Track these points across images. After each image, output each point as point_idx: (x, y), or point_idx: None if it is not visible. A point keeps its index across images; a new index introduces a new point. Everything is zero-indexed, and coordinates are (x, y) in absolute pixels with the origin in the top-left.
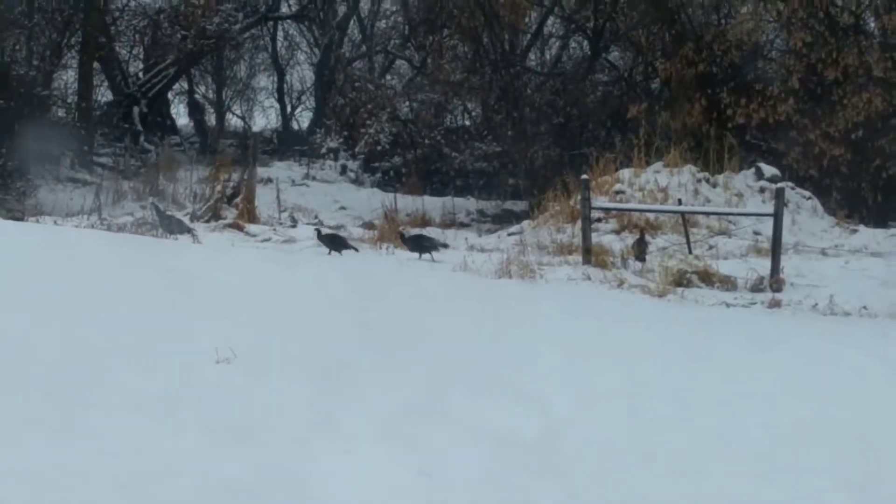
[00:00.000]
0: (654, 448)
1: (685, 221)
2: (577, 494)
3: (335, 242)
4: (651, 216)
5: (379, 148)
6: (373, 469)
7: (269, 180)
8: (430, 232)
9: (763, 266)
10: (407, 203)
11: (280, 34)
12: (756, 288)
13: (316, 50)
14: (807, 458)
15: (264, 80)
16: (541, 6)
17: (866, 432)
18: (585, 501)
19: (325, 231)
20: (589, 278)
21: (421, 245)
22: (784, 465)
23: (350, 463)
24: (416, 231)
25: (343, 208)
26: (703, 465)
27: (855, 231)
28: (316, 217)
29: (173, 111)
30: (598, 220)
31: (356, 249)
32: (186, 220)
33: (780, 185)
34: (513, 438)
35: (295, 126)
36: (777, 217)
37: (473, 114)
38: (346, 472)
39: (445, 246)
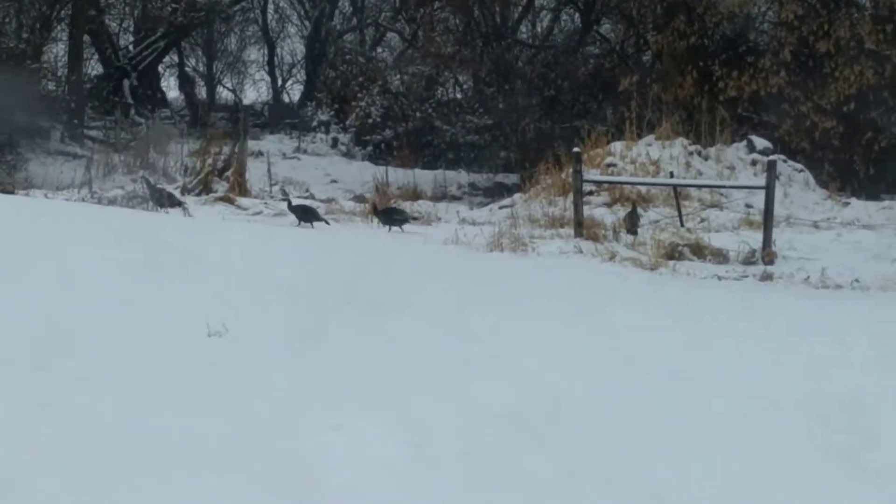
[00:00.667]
0: (645, 421)
1: (677, 194)
2: (568, 467)
3: (306, 214)
4: (643, 189)
5: (370, 121)
6: (362, 442)
7: (260, 153)
8: (420, 205)
9: (755, 239)
10: (398, 176)
11: (270, 7)
12: (748, 261)
13: (307, 22)
14: (797, 429)
15: (255, 53)
16: None
17: (856, 404)
18: (577, 474)
19: (295, 202)
20: (581, 251)
21: (392, 218)
22: (774, 437)
23: (340, 436)
24: (388, 205)
25: (334, 181)
26: (695, 438)
27: (847, 204)
28: (307, 190)
29: (164, 84)
30: (590, 192)
31: (327, 222)
32: (177, 193)
33: (771, 157)
34: (503, 412)
35: (286, 99)
36: (769, 190)
37: (465, 87)
38: (336, 445)
39: (416, 219)
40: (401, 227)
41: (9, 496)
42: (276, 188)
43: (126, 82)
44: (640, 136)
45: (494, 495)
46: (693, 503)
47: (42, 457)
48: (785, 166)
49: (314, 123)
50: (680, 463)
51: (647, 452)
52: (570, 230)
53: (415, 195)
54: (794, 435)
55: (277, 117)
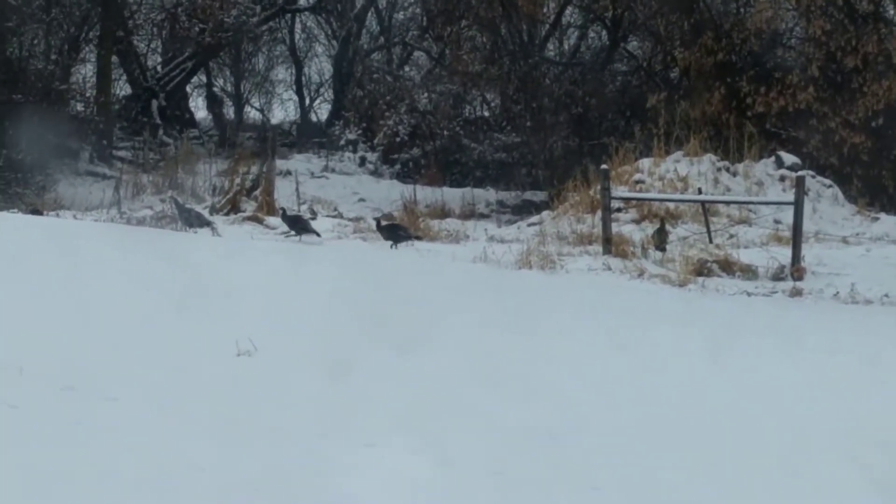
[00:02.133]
0: (674, 442)
1: (705, 210)
2: (597, 487)
3: (297, 224)
4: (671, 205)
5: (398, 139)
6: (393, 462)
7: (288, 173)
8: (448, 223)
9: (784, 255)
10: (426, 194)
11: (298, 26)
12: (777, 277)
13: (334, 42)
14: (830, 452)
15: (282, 73)
16: None
17: (891, 425)
18: (605, 494)
19: (290, 213)
20: (609, 268)
21: (396, 234)
22: (807, 461)
23: (371, 456)
24: (390, 221)
25: (362, 200)
26: (725, 460)
27: (876, 219)
28: (335, 209)
29: (192, 104)
30: (618, 209)
31: (318, 234)
32: (206, 213)
33: (800, 173)
34: (532, 431)
35: (313, 118)
36: (797, 205)
37: (492, 104)
38: (367, 465)
39: (419, 238)
40: (406, 243)
41: None
42: (304, 207)
43: (154, 103)
44: (668, 153)
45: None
46: None
47: (69, 476)
48: (813, 182)
49: (342, 142)
50: (711, 486)
51: (678, 474)
52: (598, 247)
53: (443, 213)
54: (826, 458)
55: (305, 136)
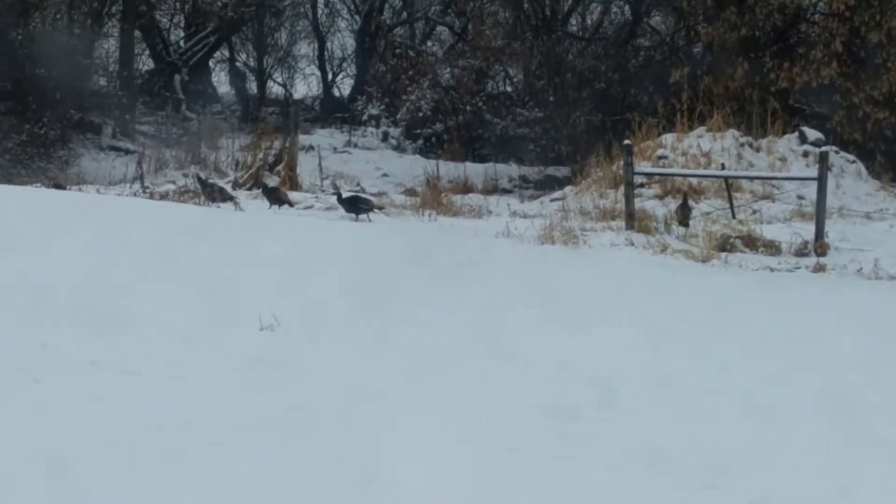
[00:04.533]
0: (696, 419)
1: (728, 186)
2: (620, 462)
3: (355, 205)
4: (694, 181)
5: (420, 115)
6: (414, 437)
7: (311, 148)
8: (471, 198)
9: (807, 230)
10: (449, 169)
11: (320, 1)
12: (800, 252)
13: (357, 17)
14: (854, 429)
15: (305, 48)
16: None
17: None
18: (630, 468)
19: (346, 194)
20: (632, 244)
21: (357, 206)
22: (831, 438)
23: (391, 431)
24: (352, 192)
25: (385, 175)
26: (747, 437)
27: None
28: (358, 184)
29: (214, 79)
30: (641, 185)
31: (290, 204)
32: (228, 188)
33: (823, 148)
34: (552, 407)
35: (336, 93)
36: (821, 181)
37: (515, 80)
38: (387, 440)
39: (381, 208)
40: (367, 216)
41: (60, 487)
42: (326, 182)
43: (177, 77)
44: (691, 128)
45: (542, 487)
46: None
47: (92, 449)
48: (837, 157)
49: (365, 117)
50: (730, 460)
51: (696, 448)
52: (621, 223)
53: (465, 188)
54: (851, 434)
55: (328, 112)
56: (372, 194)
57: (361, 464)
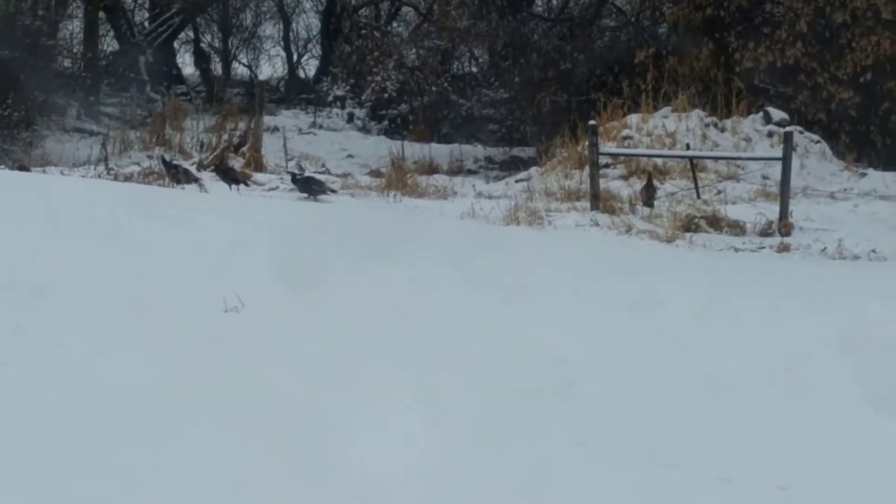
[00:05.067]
0: (663, 398)
1: (693, 166)
2: (587, 441)
3: (309, 185)
4: (659, 161)
5: (386, 96)
6: (384, 418)
7: (276, 129)
8: (436, 179)
9: (772, 210)
10: (414, 150)
11: None
12: (765, 232)
13: None
14: (821, 410)
15: (270, 29)
16: None
17: (876, 381)
18: (596, 447)
19: (299, 175)
20: (597, 224)
21: (309, 187)
22: (796, 416)
23: (361, 412)
24: (307, 174)
25: (350, 156)
26: (713, 416)
27: (864, 175)
28: (323, 165)
29: (179, 60)
30: (606, 165)
31: (334, 191)
32: (193, 169)
33: (788, 129)
34: (518, 387)
35: (301, 74)
36: (785, 161)
37: (480, 60)
38: (358, 420)
39: (333, 191)
40: (315, 198)
41: (31, 471)
42: (291, 163)
43: (141, 59)
44: (656, 109)
45: (508, 466)
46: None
47: (63, 431)
48: (801, 137)
49: (330, 98)
50: (697, 439)
51: (664, 428)
52: (586, 203)
53: (431, 169)
54: (817, 416)
55: (293, 93)
56: (337, 175)
57: (329, 444)
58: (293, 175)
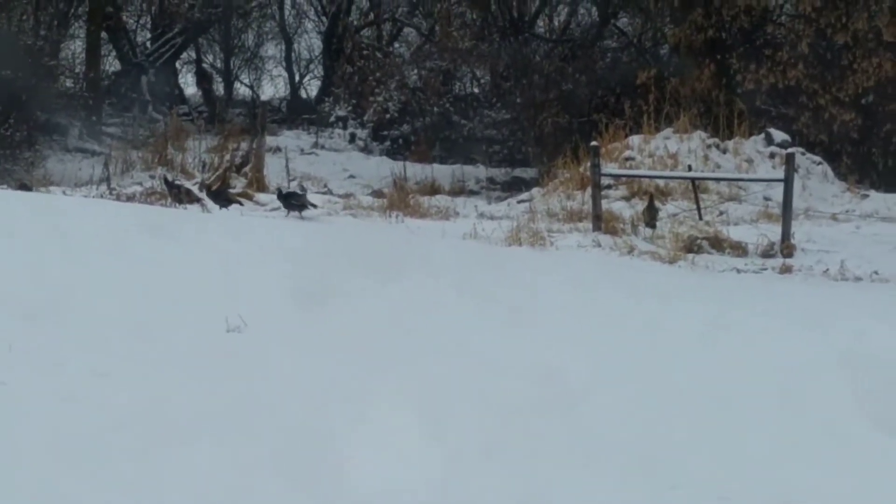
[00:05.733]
0: (666, 416)
1: (695, 187)
2: (593, 461)
3: (291, 200)
4: (661, 182)
5: (388, 116)
6: (386, 435)
7: (278, 149)
8: (438, 200)
9: (774, 232)
10: (416, 171)
11: (287, 2)
12: (767, 254)
13: (324, 18)
14: (824, 427)
15: (272, 49)
16: None
17: (879, 401)
18: (603, 466)
19: (284, 190)
20: (599, 245)
21: (290, 202)
22: (801, 433)
23: (363, 431)
24: (290, 189)
25: (352, 177)
26: (717, 434)
27: (866, 196)
28: (325, 186)
29: (181, 81)
30: (608, 186)
31: (315, 206)
32: (195, 189)
33: (790, 150)
34: (523, 406)
35: (303, 95)
36: (787, 182)
37: (482, 81)
38: (359, 439)
39: (314, 206)
40: (299, 213)
41: (31, 489)
42: (294, 183)
43: (143, 79)
44: (658, 130)
45: (510, 484)
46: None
47: (63, 450)
48: (803, 159)
49: (332, 119)
50: (703, 456)
51: (668, 446)
52: (588, 224)
53: (433, 190)
54: (820, 433)
55: (295, 113)
56: (339, 196)
57: (331, 461)
58: (279, 191)
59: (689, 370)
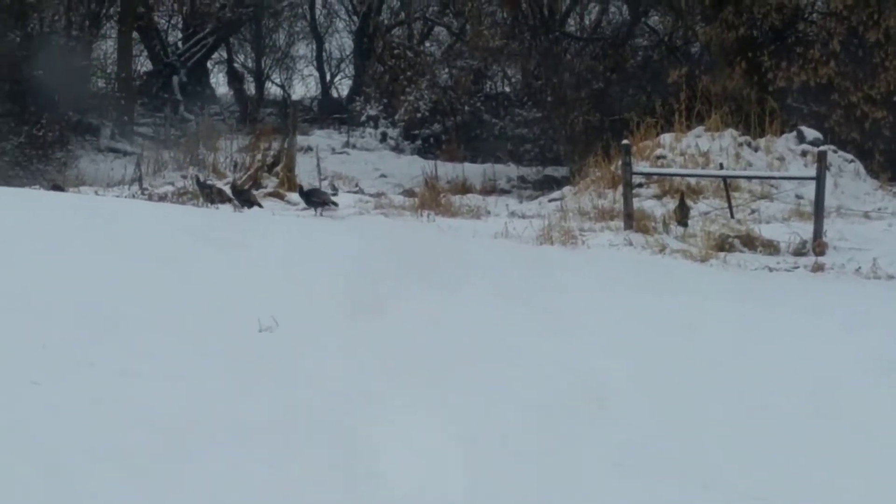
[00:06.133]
0: (699, 417)
1: (727, 186)
2: (621, 462)
3: (312, 197)
4: (692, 181)
5: (419, 115)
6: (416, 437)
7: (309, 149)
8: (469, 199)
9: (806, 230)
10: (447, 170)
11: (318, 2)
12: (799, 252)
13: (354, 17)
14: (856, 428)
15: (303, 49)
16: None
17: None
18: (631, 467)
19: (307, 188)
20: (631, 244)
21: (310, 199)
22: (832, 436)
23: (392, 432)
24: (311, 186)
25: (383, 176)
26: (750, 435)
27: None
28: (356, 185)
29: (213, 80)
30: (640, 185)
31: (336, 204)
32: (227, 189)
33: (822, 148)
34: (553, 406)
35: (334, 94)
36: (819, 180)
37: (513, 80)
38: (388, 441)
39: (335, 204)
40: (318, 210)
41: (64, 488)
42: (325, 183)
43: (175, 79)
44: (689, 128)
45: (543, 486)
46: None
47: (95, 450)
48: (835, 157)
49: (363, 118)
50: (734, 458)
51: (700, 447)
52: (619, 223)
53: (464, 189)
54: (852, 433)
55: (326, 112)
56: (370, 195)
57: (359, 464)
58: (300, 189)
59: (722, 372)
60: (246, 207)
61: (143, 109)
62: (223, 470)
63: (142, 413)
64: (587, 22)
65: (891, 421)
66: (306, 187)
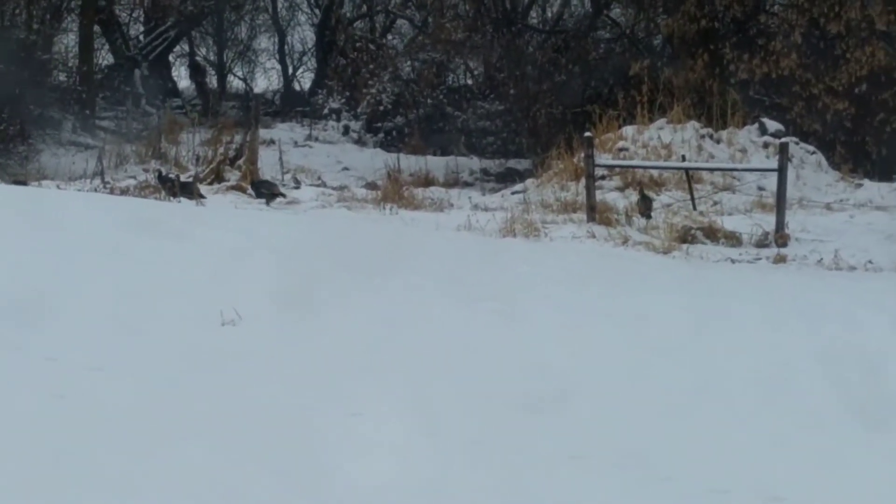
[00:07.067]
0: (659, 410)
1: (689, 178)
2: (581, 454)
3: (262, 188)
4: (655, 173)
5: (381, 108)
6: (376, 431)
7: (272, 142)
8: (432, 192)
9: (768, 221)
10: (410, 163)
11: None
12: (761, 243)
13: (317, 10)
14: (813, 419)
15: (265, 42)
16: None
17: (870, 391)
18: (590, 461)
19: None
20: (593, 236)
21: (259, 191)
22: (791, 428)
23: (355, 425)
24: (262, 179)
25: (346, 169)
26: (709, 429)
27: (860, 185)
28: (319, 178)
29: (174, 74)
30: (602, 177)
31: (283, 195)
32: (189, 182)
33: (783, 139)
34: (513, 401)
35: (297, 87)
36: (781, 172)
37: (476, 73)
38: (351, 434)
39: (283, 195)
40: (268, 201)
41: (23, 487)
42: (287, 176)
43: (137, 72)
44: (651, 120)
45: (501, 479)
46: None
47: (55, 446)
48: (797, 148)
49: (325, 111)
50: (694, 451)
51: (660, 441)
52: (582, 215)
53: (427, 182)
54: (810, 425)
55: (289, 105)
56: (333, 188)
57: (322, 458)
58: (251, 181)
59: (678, 363)
60: (195, 201)
61: (104, 103)
62: (184, 466)
63: (106, 408)
64: (549, 14)
65: (845, 410)
66: (256, 179)
